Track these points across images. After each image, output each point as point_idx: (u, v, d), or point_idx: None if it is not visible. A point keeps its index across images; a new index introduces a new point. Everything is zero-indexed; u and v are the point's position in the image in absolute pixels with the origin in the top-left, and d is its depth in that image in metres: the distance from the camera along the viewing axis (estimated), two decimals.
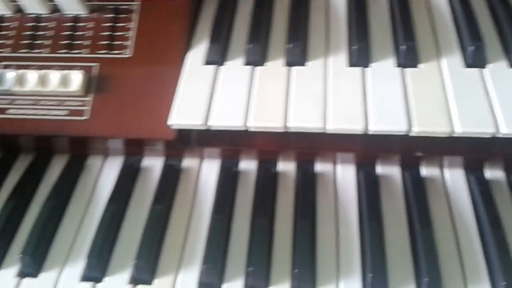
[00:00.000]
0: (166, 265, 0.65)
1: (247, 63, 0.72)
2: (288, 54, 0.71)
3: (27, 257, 0.64)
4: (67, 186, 0.73)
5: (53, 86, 0.69)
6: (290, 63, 0.71)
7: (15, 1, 0.76)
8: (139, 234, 0.67)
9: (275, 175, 0.74)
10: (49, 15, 0.76)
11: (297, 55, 0.70)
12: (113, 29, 0.74)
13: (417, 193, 0.69)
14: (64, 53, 0.73)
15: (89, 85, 0.70)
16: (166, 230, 0.69)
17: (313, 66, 0.71)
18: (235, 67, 0.71)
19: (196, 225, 0.69)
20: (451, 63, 0.70)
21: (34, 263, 0.64)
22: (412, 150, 0.71)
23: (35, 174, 0.75)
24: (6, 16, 0.77)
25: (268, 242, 0.66)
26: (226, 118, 0.65)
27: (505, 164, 0.72)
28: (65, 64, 0.72)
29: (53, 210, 0.70)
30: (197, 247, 0.67)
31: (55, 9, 0.76)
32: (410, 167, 0.73)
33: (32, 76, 0.69)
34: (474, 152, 0.70)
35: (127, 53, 0.72)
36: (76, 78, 0.69)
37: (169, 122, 0.65)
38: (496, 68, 0.69)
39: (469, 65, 0.69)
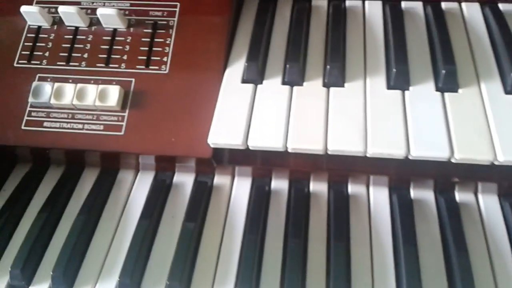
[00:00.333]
0: (198, 285, 0.64)
1: (285, 83, 0.71)
2: (327, 75, 0.70)
3: (58, 276, 0.63)
4: (99, 200, 0.73)
5: (90, 100, 0.69)
6: (328, 84, 0.71)
7: (54, 13, 0.75)
8: (171, 251, 0.67)
9: (307, 196, 0.73)
10: (87, 28, 0.76)
11: (336, 76, 0.70)
12: (151, 44, 0.74)
13: (452, 217, 0.68)
14: (101, 67, 0.73)
15: (125, 101, 0.70)
16: (198, 248, 0.68)
17: (351, 87, 0.70)
18: (273, 87, 0.71)
19: (228, 244, 0.69)
20: (491, 89, 0.69)
21: (64, 282, 0.63)
22: (448, 175, 0.70)
23: (66, 187, 0.75)
24: (43, 27, 0.76)
25: (301, 264, 0.65)
26: (265, 139, 0.65)
27: None
28: (102, 78, 0.72)
29: (84, 225, 0.69)
30: (230, 267, 0.66)
31: (94, 23, 0.76)
32: (444, 192, 0.72)
33: (69, 90, 0.69)
34: (511, 179, 0.69)
35: (164, 69, 0.72)
36: (114, 93, 0.69)
37: (208, 141, 0.65)
38: None
39: (509, 91, 0.68)
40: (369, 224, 0.70)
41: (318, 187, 0.74)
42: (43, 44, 0.75)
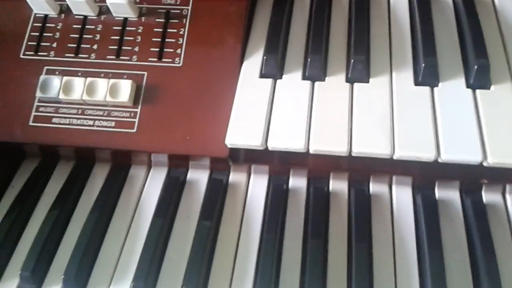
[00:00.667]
0: (215, 286, 0.62)
1: (306, 78, 0.67)
2: (350, 69, 0.66)
3: (69, 279, 0.61)
4: (111, 197, 0.70)
5: (100, 96, 0.65)
6: (352, 79, 0.67)
7: (61, 1, 0.71)
8: (187, 250, 0.64)
9: (327, 195, 0.70)
10: (96, 17, 0.72)
11: (360, 71, 0.66)
12: (164, 35, 0.70)
13: (479, 219, 0.65)
14: (112, 59, 0.69)
15: (137, 96, 0.67)
16: (215, 248, 0.66)
17: (376, 83, 0.66)
18: (293, 82, 0.67)
19: (245, 244, 0.66)
20: None
21: (76, 285, 0.61)
22: (477, 177, 0.66)
23: (77, 183, 0.72)
24: (50, 16, 0.72)
25: (322, 265, 0.62)
26: (286, 140, 0.61)
27: None
28: (112, 71, 0.68)
29: (97, 224, 0.67)
30: (248, 267, 0.64)
31: (103, 11, 0.72)
32: (470, 193, 0.69)
33: (79, 84, 0.66)
34: None
35: (178, 62, 0.68)
36: (125, 88, 0.65)
37: (226, 141, 0.62)
38: None
39: None
40: (391, 225, 0.67)
41: (338, 185, 0.71)
42: (50, 34, 0.71)
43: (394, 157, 0.60)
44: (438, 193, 0.70)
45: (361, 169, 0.69)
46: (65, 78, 0.66)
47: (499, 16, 0.74)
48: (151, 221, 0.67)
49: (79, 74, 0.68)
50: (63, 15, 0.72)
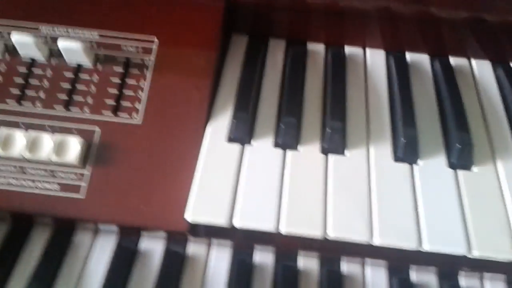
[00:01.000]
0: None
1: (278, 145, 0.61)
2: (326, 140, 0.61)
3: None
4: (52, 266, 0.61)
5: (44, 154, 0.57)
6: (327, 150, 0.61)
7: (6, 39, 0.63)
8: None
9: (295, 273, 0.63)
10: (46, 61, 0.63)
11: (336, 142, 0.61)
12: (122, 86, 0.62)
13: None
14: (61, 110, 0.61)
15: (87, 156, 0.58)
16: None
17: (353, 156, 0.61)
18: (263, 149, 0.61)
19: None
20: (509, 166, 0.61)
21: None
22: (457, 264, 0.62)
23: (12, 249, 0.62)
24: None
25: None
26: (254, 220, 0.55)
27: None
28: (61, 124, 0.60)
29: None
30: None
31: (54, 54, 0.64)
32: (448, 278, 0.64)
33: (20, 139, 0.57)
34: None
35: (136, 119, 0.61)
36: (73, 146, 0.57)
37: (186, 217, 0.54)
38: None
39: None
40: None
41: (309, 263, 0.64)
42: None
43: (373, 244, 0.54)
44: (416, 276, 0.64)
45: (333, 250, 0.62)
46: (4, 130, 0.57)
47: (479, 86, 0.70)
48: None
49: (21, 125, 0.59)
50: (7, 55, 0.63)
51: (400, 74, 0.70)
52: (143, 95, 0.62)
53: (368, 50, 0.75)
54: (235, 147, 0.61)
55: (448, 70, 0.72)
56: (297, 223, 0.55)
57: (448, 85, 0.69)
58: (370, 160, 0.61)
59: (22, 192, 0.57)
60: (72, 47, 0.60)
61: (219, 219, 0.54)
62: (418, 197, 0.58)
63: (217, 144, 0.61)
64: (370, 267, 0.64)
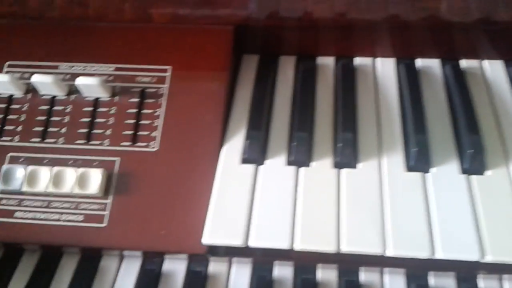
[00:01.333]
0: None
1: (291, 163, 0.63)
2: (338, 154, 0.62)
3: None
4: None
5: (68, 187, 0.60)
6: (339, 165, 0.63)
7: (27, 79, 0.66)
8: None
9: (314, 286, 0.65)
10: (66, 97, 0.67)
11: (348, 156, 0.62)
12: (138, 116, 0.65)
13: None
14: (82, 144, 0.64)
15: (108, 185, 0.61)
16: None
17: (365, 169, 0.62)
18: (277, 168, 0.63)
19: None
20: None
21: None
22: (474, 269, 0.62)
23: (43, 276, 0.65)
24: (15, 97, 0.67)
25: None
26: (269, 238, 0.56)
27: None
28: (82, 157, 0.63)
29: None
30: None
31: (73, 91, 0.67)
32: (467, 281, 0.64)
33: (45, 174, 0.60)
34: None
35: (154, 146, 0.63)
36: (95, 178, 0.60)
37: (203, 241, 0.56)
38: None
39: None
40: None
41: (327, 275, 0.65)
42: (15, 117, 0.66)
43: (386, 255, 0.55)
44: (433, 281, 0.65)
45: (350, 261, 0.63)
46: (30, 168, 0.61)
47: (491, 89, 0.70)
48: None
49: (45, 161, 0.63)
50: (29, 95, 0.67)
51: (410, 81, 0.71)
52: (159, 123, 0.65)
53: (378, 60, 0.76)
54: (249, 167, 0.63)
55: (459, 74, 0.72)
56: (311, 240, 0.56)
57: (459, 89, 0.69)
58: (383, 171, 0.62)
59: (48, 225, 0.60)
60: (90, 82, 0.64)
61: (235, 241, 0.56)
62: (431, 205, 0.59)
63: (232, 166, 0.63)
64: (389, 275, 0.65)
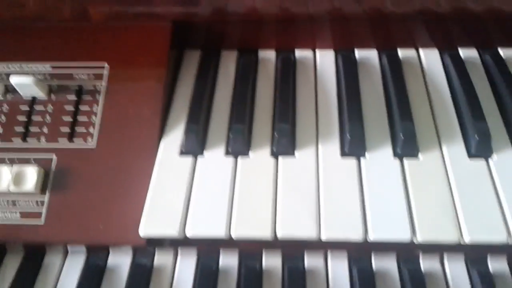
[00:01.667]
0: None
1: (229, 153, 0.64)
2: (275, 143, 0.63)
3: None
4: None
5: (4, 185, 0.60)
6: (277, 153, 0.64)
7: None
8: None
9: (259, 273, 0.65)
10: (2, 97, 0.66)
11: (285, 145, 0.63)
12: (75, 113, 0.65)
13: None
14: (18, 142, 0.63)
15: (45, 183, 0.61)
16: None
17: (302, 157, 0.63)
18: (215, 159, 0.63)
19: None
20: (453, 153, 0.63)
21: None
22: (412, 248, 0.64)
23: None
24: None
25: None
26: (205, 227, 0.57)
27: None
28: (19, 156, 0.63)
29: None
30: None
31: (10, 90, 0.67)
32: (408, 262, 0.66)
33: None
34: (477, 249, 0.63)
35: (91, 143, 0.63)
36: (31, 176, 0.60)
37: (140, 232, 0.57)
38: (502, 158, 0.62)
39: (472, 154, 0.62)
40: None
41: (272, 262, 0.66)
42: None
43: (321, 239, 0.56)
44: (375, 263, 0.66)
45: (293, 246, 0.65)
46: None
47: (427, 77, 0.73)
48: None
49: None
50: None
51: (348, 72, 0.72)
52: (97, 120, 0.65)
53: (318, 52, 0.77)
54: (188, 159, 0.63)
55: (395, 63, 0.74)
56: (247, 227, 0.57)
57: (394, 78, 0.71)
58: (319, 158, 0.63)
59: None
60: (24, 81, 0.63)
61: (171, 231, 0.57)
62: (365, 189, 0.60)
63: (170, 158, 0.63)
64: (332, 260, 0.66)
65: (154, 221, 0.57)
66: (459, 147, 0.64)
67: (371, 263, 0.66)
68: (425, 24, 0.75)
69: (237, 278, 0.66)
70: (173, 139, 0.65)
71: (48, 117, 0.65)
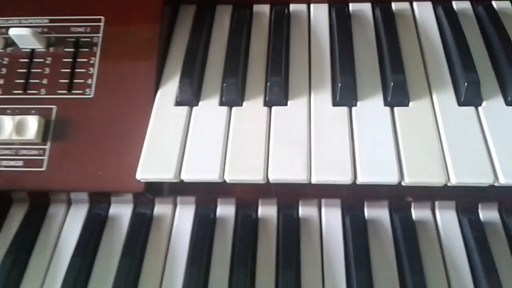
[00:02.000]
0: None
1: (223, 103, 0.65)
2: (268, 93, 0.65)
3: None
4: (28, 238, 0.67)
5: (6, 134, 0.62)
6: (269, 103, 0.65)
7: None
8: None
9: (255, 221, 0.68)
10: (2, 50, 0.68)
11: (277, 94, 0.64)
12: (73, 65, 0.67)
13: (408, 237, 0.64)
14: (19, 94, 0.65)
15: (46, 131, 0.64)
16: (137, 285, 0.63)
17: (294, 106, 0.65)
18: (209, 108, 0.65)
19: (170, 278, 0.64)
20: (443, 101, 0.64)
21: None
22: (402, 195, 0.65)
23: None
24: None
25: None
26: (200, 171, 0.59)
27: (501, 206, 0.67)
28: (20, 106, 0.65)
29: (13, 266, 0.63)
30: None
31: (9, 43, 0.68)
32: (400, 210, 0.68)
33: None
34: (468, 196, 0.65)
35: (89, 93, 0.65)
36: (32, 125, 0.62)
37: (137, 176, 0.59)
38: (491, 106, 0.63)
39: (462, 103, 0.64)
40: (320, 249, 0.66)
41: (267, 211, 0.69)
42: None
43: (312, 182, 0.58)
44: (367, 212, 0.68)
45: (288, 194, 0.67)
46: None
47: (419, 28, 0.74)
48: (69, 261, 0.63)
49: None
50: None
51: (341, 24, 0.73)
52: (94, 71, 0.67)
53: (312, 6, 0.78)
54: (183, 109, 0.65)
55: (388, 15, 0.74)
56: (240, 170, 0.59)
57: (386, 30, 0.72)
58: (311, 107, 0.65)
59: None
60: (23, 32, 0.65)
61: (167, 175, 0.59)
62: (355, 135, 0.62)
63: (166, 108, 0.65)
64: (325, 208, 0.69)
65: (151, 166, 0.59)
66: (450, 96, 0.65)
67: (363, 212, 0.68)
68: None
69: (233, 226, 0.68)
70: (168, 90, 0.67)
71: (47, 69, 0.67)
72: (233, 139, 0.61)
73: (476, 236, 0.65)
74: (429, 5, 0.77)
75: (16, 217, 0.69)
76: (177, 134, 0.62)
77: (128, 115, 0.64)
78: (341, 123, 0.62)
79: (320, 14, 0.76)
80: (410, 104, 0.64)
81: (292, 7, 0.78)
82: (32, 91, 0.66)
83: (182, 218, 0.69)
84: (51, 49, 0.68)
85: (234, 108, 0.65)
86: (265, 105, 0.65)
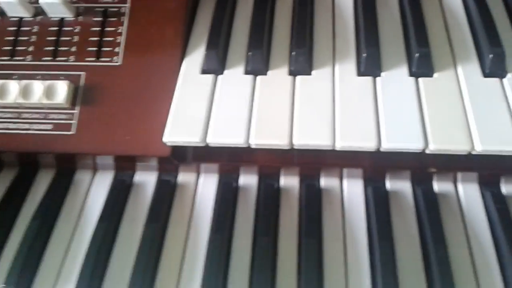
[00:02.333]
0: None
1: (248, 72, 0.66)
2: (292, 62, 0.65)
3: (11, 285, 0.59)
4: (54, 203, 0.68)
5: (36, 98, 0.63)
6: (294, 72, 0.66)
7: None
8: (133, 255, 0.62)
9: (277, 191, 0.69)
10: (32, 18, 0.70)
11: (302, 64, 0.65)
12: (102, 34, 0.68)
13: (430, 209, 0.64)
14: (49, 60, 0.67)
15: (75, 97, 0.65)
16: (162, 250, 0.64)
17: (319, 75, 0.65)
18: (235, 77, 0.66)
19: (193, 245, 0.64)
20: (468, 72, 0.64)
21: None
22: (425, 165, 0.66)
23: (20, 190, 0.69)
24: None
25: (271, 263, 0.61)
26: (226, 135, 0.60)
27: None
28: (50, 72, 0.66)
29: (39, 230, 0.65)
30: (196, 269, 0.62)
31: (39, 12, 0.70)
32: (422, 182, 0.68)
33: (14, 87, 0.64)
34: (491, 168, 0.65)
35: (117, 61, 0.66)
36: (61, 89, 0.63)
37: (164, 139, 0.60)
38: None
39: (487, 74, 0.64)
40: (342, 219, 0.66)
41: (289, 181, 0.70)
42: None
43: (336, 148, 0.59)
44: (389, 184, 0.69)
45: (310, 163, 0.67)
46: (0, 81, 0.64)
47: (443, 2, 0.73)
48: (95, 226, 0.65)
49: (15, 77, 0.66)
50: None
51: None
52: (122, 40, 0.68)
53: None
54: (209, 77, 0.66)
55: None
56: (265, 135, 0.60)
57: (411, 2, 0.72)
58: (335, 76, 0.65)
59: (19, 134, 0.64)
60: (53, 1, 0.66)
61: (193, 138, 0.60)
62: (379, 104, 0.62)
63: (192, 76, 0.66)
64: (347, 180, 0.69)
65: (178, 129, 0.60)
66: (474, 67, 0.65)
67: (385, 184, 0.68)
68: None
69: (256, 195, 0.69)
70: (194, 58, 0.68)
71: (76, 37, 0.68)
72: (258, 106, 0.62)
73: (498, 208, 0.65)
74: None
75: (43, 182, 0.70)
76: (203, 100, 0.63)
77: (154, 82, 0.65)
78: (366, 92, 0.63)
79: None
80: (435, 75, 0.64)
81: None
82: (61, 58, 0.67)
83: (206, 186, 0.69)
84: (80, 18, 0.69)
85: (258, 77, 0.65)
86: (289, 74, 0.65)
